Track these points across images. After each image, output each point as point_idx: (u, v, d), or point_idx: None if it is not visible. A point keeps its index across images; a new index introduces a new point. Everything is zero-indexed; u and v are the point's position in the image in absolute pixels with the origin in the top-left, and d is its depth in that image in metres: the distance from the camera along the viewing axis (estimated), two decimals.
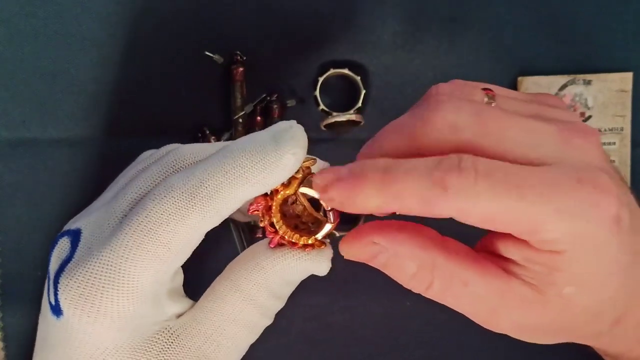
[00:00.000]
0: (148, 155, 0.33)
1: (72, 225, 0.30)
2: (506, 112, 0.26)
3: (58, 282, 0.28)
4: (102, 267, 0.27)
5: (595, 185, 0.25)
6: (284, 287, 0.30)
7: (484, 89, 0.28)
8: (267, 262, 0.29)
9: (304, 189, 0.28)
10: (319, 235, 0.29)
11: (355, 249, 0.28)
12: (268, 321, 0.31)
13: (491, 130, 0.26)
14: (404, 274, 0.27)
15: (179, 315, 0.30)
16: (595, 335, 0.30)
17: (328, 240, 0.30)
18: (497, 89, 0.29)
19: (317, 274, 0.29)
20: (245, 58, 0.43)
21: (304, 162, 0.27)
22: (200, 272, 0.31)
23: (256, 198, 0.28)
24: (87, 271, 0.27)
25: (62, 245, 0.30)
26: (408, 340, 0.44)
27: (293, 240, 0.29)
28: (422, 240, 0.27)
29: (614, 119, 0.44)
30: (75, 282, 0.27)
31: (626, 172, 0.44)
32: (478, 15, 0.44)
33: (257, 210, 0.28)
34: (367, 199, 0.25)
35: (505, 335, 0.41)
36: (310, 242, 0.29)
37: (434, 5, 0.44)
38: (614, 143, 0.44)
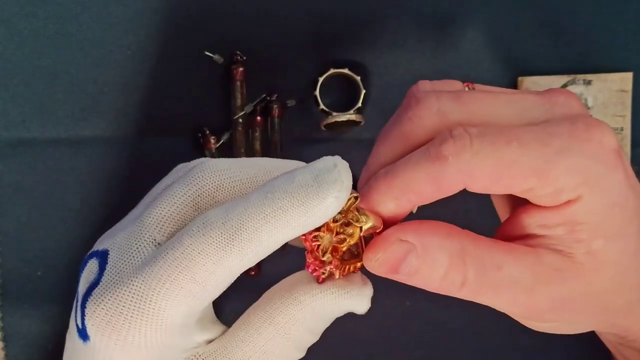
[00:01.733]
0: (180, 168, 0.31)
1: (99, 245, 0.29)
2: (486, 92, 0.28)
3: (85, 307, 0.27)
4: (132, 297, 0.26)
5: (588, 123, 0.26)
6: (321, 322, 0.29)
7: (464, 83, 0.30)
8: (306, 297, 0.28)
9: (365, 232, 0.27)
10: (364, 228, 0.27)
11: (382, 252, 0.26)
12: (300, 354, 0.29)
13: (475, 108, 0.27)
14: (436, 274, 0.26)
15: (210, 341, 0.29)
16: (627, 309, 0.29)
17: (369, 284, 0.29)
18: (476, 85, 0.30)
19: (356, 312, 0.29)
20: (245, 58, 0.43)
21: (348, 200, 0.26)
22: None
23: (321, 259, 0.27)
24: (115, 298, 0.26)
25: (91, 268, 0.29)
26: (408, 340, 0.44)
27: (345, 273, 0.28)
28: (447, 230, 0.27)
29: (614, 119, 0.44)
30: (103, 308, 0.26)
31: None
32: (478, 16, 0.44)
33: (326, 271, 0.27)
34: (381, 205, 0.26)
35: (505, 336, 0.41)
36: (359, 265, 0.28)
37: (434, 6, 0.44)
38: None
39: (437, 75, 0.44)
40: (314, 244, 0.27)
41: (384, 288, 0.44)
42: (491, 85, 0.42)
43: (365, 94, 0.43)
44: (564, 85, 0.44)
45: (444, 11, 0.44)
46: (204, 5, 0.43)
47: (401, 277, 0.27)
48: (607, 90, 0.44)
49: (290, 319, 0.28)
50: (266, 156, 0.43)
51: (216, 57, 0.42)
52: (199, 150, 0.43)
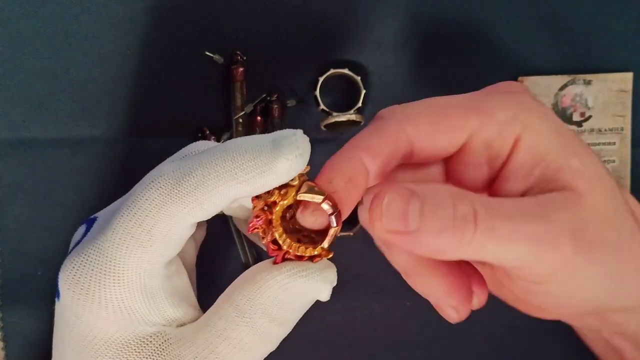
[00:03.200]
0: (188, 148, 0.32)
1: (95, 214, 0.31)
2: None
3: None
4: (95, 252, 0.27)
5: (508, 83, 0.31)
6: (282, 309, 0.28)
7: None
8: (262, 275, 0.27)
9: (302, 196, 0.27)
10: (325, 244, 0.27)
11: (382, 203, 0.26)
12: (266, 346, 0.28)
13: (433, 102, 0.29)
14: (445, 212, 0.25)
15: (183, 325, 0.29)
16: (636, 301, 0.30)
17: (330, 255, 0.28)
18: None
19: (317, 297, 0.28)
20: (245, 58, 0.43)
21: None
22: (210, 286, 0.30)
23: (254, 214, 0.27)
24: (83, 255, 0.27)
25: (78, 233, 0.30)
26: (408, 340, 0.44)
27: (299, 254, 0.27)
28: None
29: (614, 119, 0.44)
30: (72, 265, 0.27)
31: (626, 172, 0.44)
32: (478, 15, 0.44)
33: (257, 227, 0.27)
34: (333, 181, 0.27)
35: (505, 336, 0.42)
36: (316, 252, 0.27)
37: (434, 6, 0.44)
38: (614, 143, 0.44)
39: (437, 75, 0.44)
40: (252, 202, 0.27)
41: (384, 288, 0.44)
42: None
43: (365, 94, 0.43)
44: (564, 86, 0.44)
45: (444, 11, 0.44)
46: (204, 5, 0.43)
47: (412, 226, 0.25)
48: (607, 90, 0.44)
49: (248, 299, 0.27)
50: None
51: (216, 57, 0.42)
52: None
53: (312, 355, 0.44)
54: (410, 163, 0.30)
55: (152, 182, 0.27)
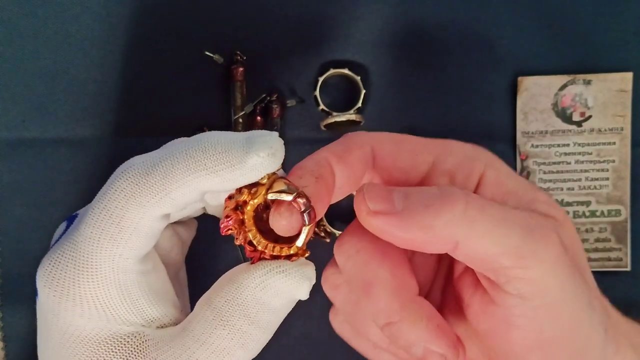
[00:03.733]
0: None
1: (77, 212, 0.30)
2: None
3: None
4: (70, 248, 0.27)
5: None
6: (261, 310, 0.26)
7: None
8: (240, 276, 0.26)
9: (272, 195, 0.26)
10: (300, 242, 0.26)
11: (366, 192, 0.26)
12: (246, 352, 0.27)
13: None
14: (433, 189, 0.26)
15: (164, 326, 0.28)
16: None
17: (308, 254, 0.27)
18: None
19: (296, 294, 0.27)
20: (245, 58, 0.43)
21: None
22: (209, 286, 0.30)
23: (225, 214, 0.26)
24: (58, 252, 0.27)
25: (60, 228, 0.30)
26: None
27: (274, 253, 0.26)
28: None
29: (614, 119, 0.44)
30: (48, 262, 0.27)
31: (626, 172, 0.44)
32: (478, 16, 0.44)
33: (230, 228, 0.26)
34: (302, 178, 0.26)
35: None
36: (292, 252, 0.26)
37: (435, 6, 0.44)
38: (614, 143, 0.44)
39: (437, 75, 0.44)
40: (230, 219, 0.26)
41: None
42: (491, 86, 0.43)
43: (365, 94, 0.43)
44: (564, 85, 0.44)
45: (444, 11, 0.44)
46: (204, 5, 0.43)
47: (397, 206, 0.25)
48: (607, 90, 0.44)
49: (226, 300, 0.26)
50: None
51: (216, 57, 0.42)
52: None
53: (312, 355, 0.44)
54: None
55: (122, 173, 0.26)
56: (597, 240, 0.44)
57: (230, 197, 0.27)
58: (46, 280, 0.27)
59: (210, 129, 0.43)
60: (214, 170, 0.25)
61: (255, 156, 0.25)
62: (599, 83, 0.44)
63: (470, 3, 0.44)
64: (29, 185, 0.43)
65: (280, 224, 0.26)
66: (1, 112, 0.42)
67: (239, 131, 0.42)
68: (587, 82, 0.44)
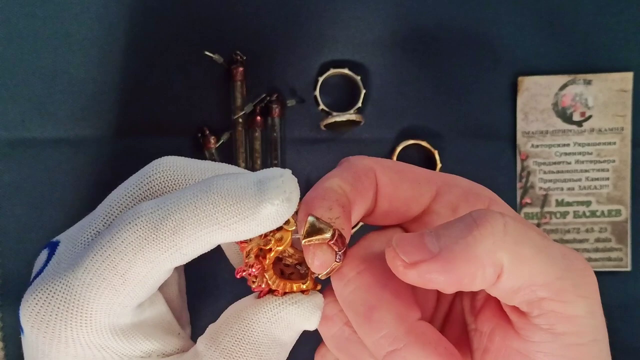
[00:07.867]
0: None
1: (56, 237, 0.29)
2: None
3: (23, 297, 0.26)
4: (62, 289, 0.25)
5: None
6: (272, 346, 0.26)
7: None
8: (248, 312, 0.25)
9: (310, 240, 0.24)
10: (322, 276, 0.25)
11: (397, 245, 0.24)
12: None
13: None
14: (464, 220, 0.23)
15: (166, 355, 0.27)
16: None
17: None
18: None
19: (306, 325, 0.26)
20: (245, 58, 0.43)
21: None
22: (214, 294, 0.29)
23: (247, 262, 0.25)
24: (48, 290, 0.25)
25: (41, 258, 0.28)
26: None
27: (287, 291, 0.26)
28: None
29: (614, 119, 0.44)
30: (35, 301, 0.25)
31: (626, 172, 0.44)
32: (478, 16, 0.44)
33: (250, 275, 0.25)
34: (318, 211, 0.24)
35: None
36: (304, 287, 0.26)
37: (435, 6, 0.44)
38: (614, 143, 0.44)
39: (437, 75, 0.44)
40: (242, 245, 0.25)
41: None
42: (491, 86, 0.43)
43: (365, 94, 0.43)
44: (564, 85, 0.44)
45: (444, 11, 0.44)
46: (204, 5, 0.43)
47: (434, 249, 0.23)
48: (607, 90, 0.44)
49: (236, 340, 0.25)
50: (266, 156, 0.43)
51: (216, 57, 0.42)
52: (199, 150, 0.43)
53: (312, 355, 0.44)
54: (373, 222, 0.28)
55: (129, 222, 0.24)
56: (598, 240, 0.44)
57: (246, 240, 0.25)
58: (34, 321, 0.25)
59: (210, 129, 0.43)
60: (226, 225, 0.24)
61: (269, 205, 0.24)
62: (599, 83, 0.44)
63: (470, 3, 0.44)
64: (29, 185, 0.43)
65: (315, 265, 0.25)
66: (1, 112, 0.42)
67: (239, 131, 0.42)
68: (588, 82, 0.44)
